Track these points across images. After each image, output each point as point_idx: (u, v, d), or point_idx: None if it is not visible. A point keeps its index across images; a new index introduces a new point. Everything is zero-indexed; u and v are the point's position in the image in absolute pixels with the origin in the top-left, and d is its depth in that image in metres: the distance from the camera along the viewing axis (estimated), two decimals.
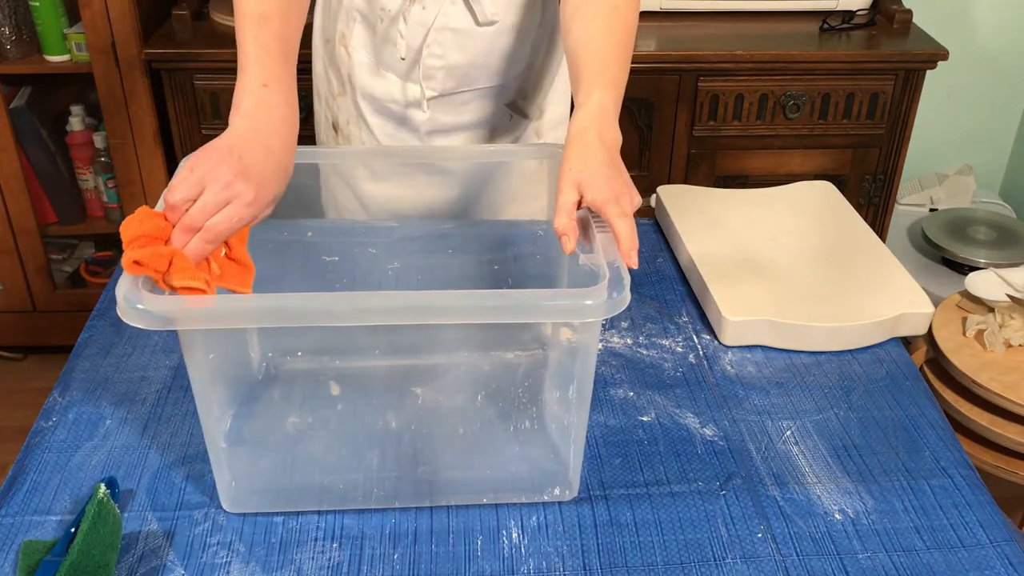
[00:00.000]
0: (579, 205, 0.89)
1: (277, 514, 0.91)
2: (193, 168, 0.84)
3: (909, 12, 2.10)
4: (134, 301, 0.76)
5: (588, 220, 0.88)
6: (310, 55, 1.35)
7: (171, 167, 2.10)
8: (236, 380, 1.02)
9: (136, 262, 0.79)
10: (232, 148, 0.85)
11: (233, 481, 0.92)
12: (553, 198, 0.92)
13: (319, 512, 0.91)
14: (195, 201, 0.82)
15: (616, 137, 0.94)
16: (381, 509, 0.92)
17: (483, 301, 0.80)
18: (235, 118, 0.90)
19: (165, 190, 0.84)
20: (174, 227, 0.82)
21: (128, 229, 0.81)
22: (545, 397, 1.01)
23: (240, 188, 0.84)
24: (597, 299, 0.78)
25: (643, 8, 2.13)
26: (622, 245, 0.85)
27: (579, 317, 0.81)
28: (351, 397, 1.02)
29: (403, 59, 1.23)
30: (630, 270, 0.83)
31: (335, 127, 1.34)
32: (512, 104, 1.31)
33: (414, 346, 1.07)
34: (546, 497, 0.93)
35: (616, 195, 0.88)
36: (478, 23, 1.19)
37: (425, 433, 0.99)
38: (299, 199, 1.14)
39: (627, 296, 0.79)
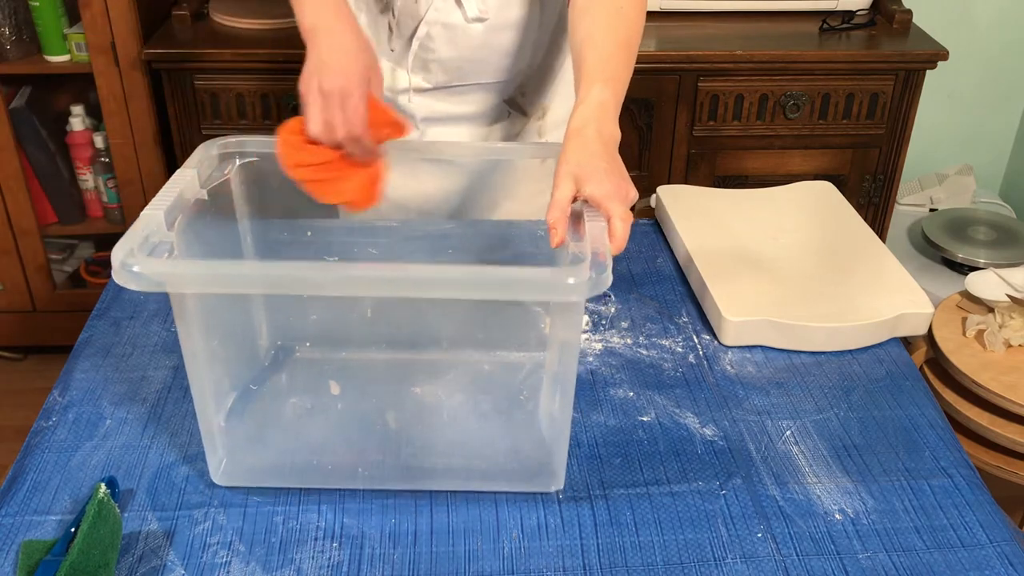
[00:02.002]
0: (575, 200, 0.90)
1: (277, 513, 0.91)
2: (307, 101, 0.97)
3: (909, 12, 2.10)
4: (131, 265, 0.77)
5: (581, 212, 0.89)
6: None
7: (171, 167, 2.10)
8: (241, 363, 1.03)
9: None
10: (319, 63, 0.98)
11: (225, 457, 0.94)
12: None
13: (319, 511, 0.91)
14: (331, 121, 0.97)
15: (615, 133, 0.95)
16: (381, 509, 0.92)
17: (466, 275, 0.80)
18: (306, 36, 1.02)
19: (307, 123, 0.97)
20: (338, 146, 0.98)
21: (289, 157, 0.98)
22: (542, 394, 1.02)
23: (349, 90, 0.96)
24: (579, 278, 0.78)
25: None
26: (618, 247, 0.85)
27: (561, 296, 0.81)
28: (351, 387, 1.03)
29: (392, 50, 1.25)
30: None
31: None
32: (511, 101, 1.32)
33: (416, 342, 1.08)
34: (533, 488, 0.93)
35: (616, 189, 0.88)
36: (467, 19, 1.20)
37: (420, 423, 1.00)
38: (303, 198, 1.14)
39: (609, 277, 0.79)
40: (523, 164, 1.20)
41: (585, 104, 0.96)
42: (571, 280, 0.78)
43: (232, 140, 1.02)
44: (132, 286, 0.78)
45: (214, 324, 0.89)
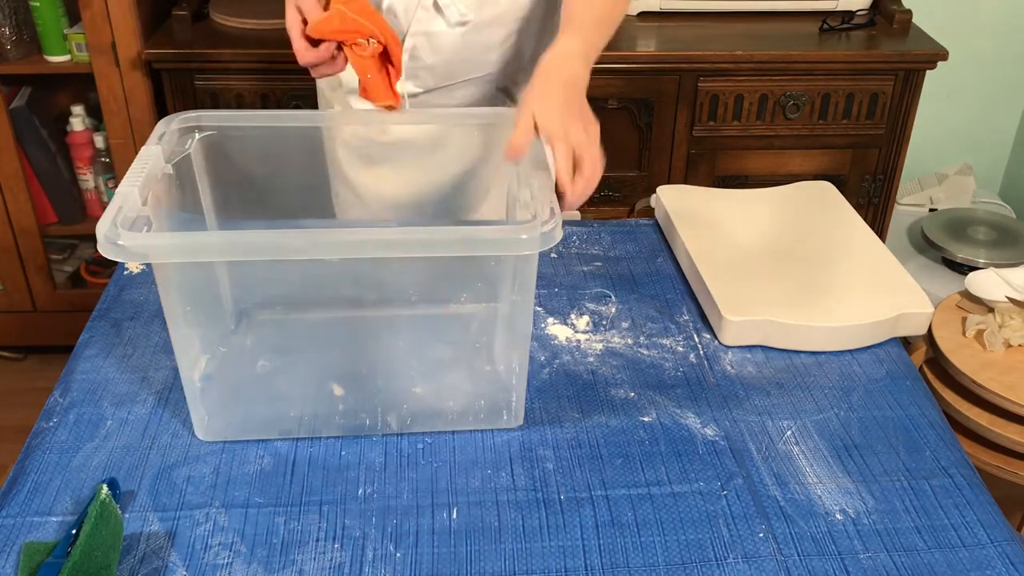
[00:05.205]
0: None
1: (279, 514, 0.91)
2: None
3: (909, 12, 2.10)
4: (113, 238, 0.82)
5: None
6: None
7: None
8: (211, 328, 1.07)
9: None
10: None
11: (207, 416, 0.99)
12: None
13: (320, 512, 0.92)
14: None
15: (578, 75, 1.00)
16: (382, 510, 0.92)
17: (431, 236, 0.87)
18: None
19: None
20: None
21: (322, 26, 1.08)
22: (497, 342, 1.07)
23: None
24: (531, 234, 0.85)
25: (643, 8, 2.14)
26: (560, 176, 0.91)
27: (516, 250, 0.88)
28: (315, 345, 1.08)
29: None
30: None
31: None
32: (504, 89, 1.34)
33: (377, 299, 1.11)
34: (495, 425, 1.01)
35: (563, 123, 0.94)
36: (449, 24, 1.22)
37: (386, 374, 1.05)
38: (303, 200, 1.15)
39: (558, 233, 0.86)
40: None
41: (550, 52, 1.02)
42: (523, 236, 0.85)
43: (191, 115, 1.06)
44: (119, 258, 0.83)
45: (188, 290, 0.94)
